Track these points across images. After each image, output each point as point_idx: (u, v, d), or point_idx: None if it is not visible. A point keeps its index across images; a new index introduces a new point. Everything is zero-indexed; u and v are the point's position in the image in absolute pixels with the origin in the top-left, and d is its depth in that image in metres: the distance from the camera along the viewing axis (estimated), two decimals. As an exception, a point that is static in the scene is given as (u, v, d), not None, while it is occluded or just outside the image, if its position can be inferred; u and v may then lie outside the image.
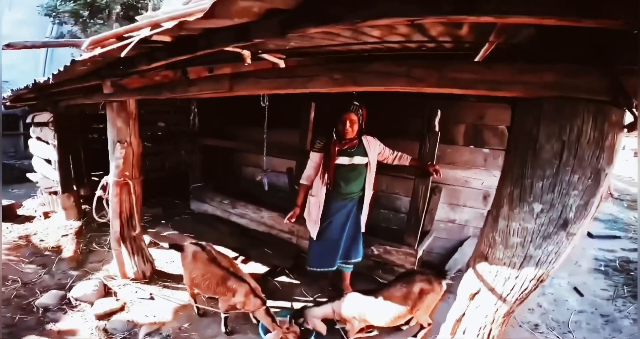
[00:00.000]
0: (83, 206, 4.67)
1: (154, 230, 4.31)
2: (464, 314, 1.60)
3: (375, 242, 3.30)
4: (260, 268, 3.48)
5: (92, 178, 4.89)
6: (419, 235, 3.17)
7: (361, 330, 2.52)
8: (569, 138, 1.17)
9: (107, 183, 3.06)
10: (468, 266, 1.61)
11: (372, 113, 2.81)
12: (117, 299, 2.90)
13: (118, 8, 10.15)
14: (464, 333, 1.59)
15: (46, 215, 4.77)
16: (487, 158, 3.54)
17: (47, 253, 3.75)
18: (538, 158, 1.23)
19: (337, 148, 2.69)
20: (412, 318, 2.56)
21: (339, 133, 2.70)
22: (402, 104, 3.65)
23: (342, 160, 2.71)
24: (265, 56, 1.72)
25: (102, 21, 10.12)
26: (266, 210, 4.09)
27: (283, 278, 3.42)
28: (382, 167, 2.95)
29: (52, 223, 4.50)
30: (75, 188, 4.54)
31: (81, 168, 4.63)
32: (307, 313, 2.42)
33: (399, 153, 2.92)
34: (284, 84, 1.67)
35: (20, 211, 4.96)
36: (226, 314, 2.54)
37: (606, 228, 6.25)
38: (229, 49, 1.42)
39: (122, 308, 2.81)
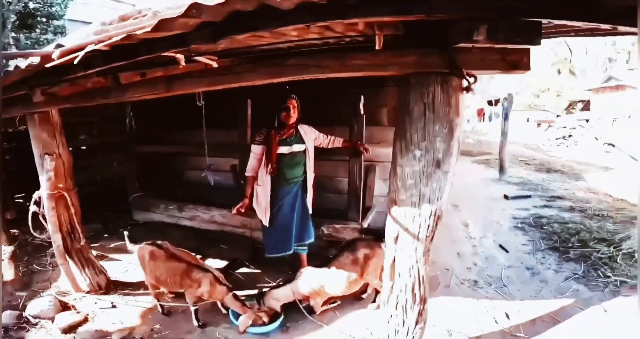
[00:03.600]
0: (12, 231, 4.31)
1: (97, 244, 4.13)
2: (394, 259, 1.89)
3: (325, 222, 3.55)
4: (219, 264, 3.55)
5: (16, 200, 4.53)
6: (361, 210, 3.48)
7: (325, 303, 2.72)
8: (428, 101, 1.62)
9: (40, 197, 2.94)
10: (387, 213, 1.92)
11: (306, 105, 3.06)
12: (77, 312, 2.82)
13: (13, 17, 9.26)
14: (399, 276, 1.87)
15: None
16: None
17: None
18: (412, 117, 1.67)
19: (277, 139, 2.89)
20: (367, 285, 2.81)
21: (281, 121, 2.92)
22: (331, 94, 3.93)
23: (282, 150, 2.94)
24: (199, 58, 1.86)
25: (-6, 30, 9.11)
26: (216, 208, 4.14)
27: (244, 270, 3.53)
28: (323, 152, 3.22)
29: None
30: (-1, 213, 4.18)
31: (2, 191, 4.27)
32: (267, 295, 2.56)
33: (333, 137, 3.21)
34: (219, 81, 1.91)
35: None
36: (195, 307, 2.59)
37: (519, 190, 7.14)
38: (165, 53, 1.55)
39: (85, 320, 2.74)
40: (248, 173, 3.02)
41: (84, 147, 5.53)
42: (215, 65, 2.02)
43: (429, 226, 1.74)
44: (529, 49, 1.48)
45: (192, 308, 2.59)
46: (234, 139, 4.01)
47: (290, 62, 1.70)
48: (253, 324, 2.42)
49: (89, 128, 5.30)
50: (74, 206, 2.99)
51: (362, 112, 3.29)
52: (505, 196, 6.54)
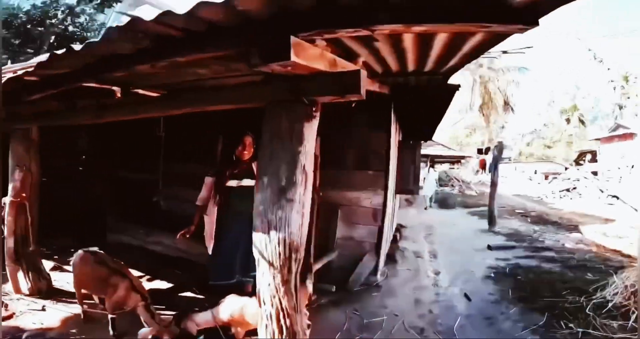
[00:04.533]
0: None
1: (57, 257, 4.25)
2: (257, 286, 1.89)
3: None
4: (165, 285, 3.64)
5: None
6: (312, 249, 3.46)
7: (248, 334, 2.68)
8: (275, 129, 1.74)
9: (4, 203, 3.18)
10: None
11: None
12: (6, 310, 2.93)
13: (52, 38, 10.10)
14: (264, 304, 1.86)
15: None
16: (372, 179, 4.08)
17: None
18: (263, 143, 1.79)
19: (227, 173, 3.07)
20: None
21: (237, 156, 3.10)
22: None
23: (232, 183, 3.09)
24: (137, 91, 2.12)
25: (32, 51, 9.94)
26: (180, 237, 4.24)
27: (190, 295, 3.54)
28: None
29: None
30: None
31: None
32: (187, 316, 2.55)
33: None
34: (128, 112, 2.26)
35: None
36: (113, 316, 2.61)
37: (505, 241, 7.07)
38: (93, 84, 1.82)
39: (10, 317, 2.84)
40: (198, 202, 3.18)
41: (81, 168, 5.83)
42: (154, 95, 2.29)
43: (280, 254, 1.76)
44: (358, 73, 1.63)
45: (110, 316, 2.61)
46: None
47: (185, 96, 1.95)
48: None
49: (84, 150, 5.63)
50: (31, 214, 3.22)
51: (316, 153, 3.35)
52: (489, 247, 6.46)
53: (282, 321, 1.81)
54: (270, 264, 1.79)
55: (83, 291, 2.83)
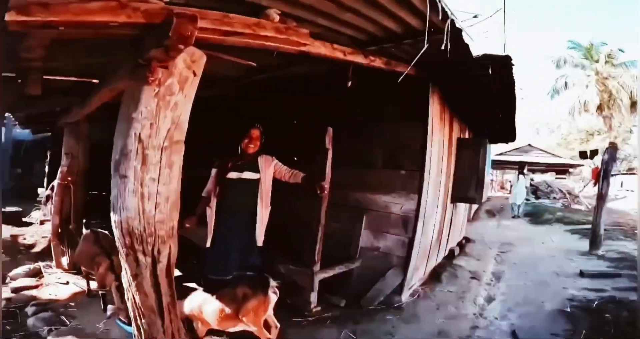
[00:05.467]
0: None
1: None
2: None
3: (282, 261, 3.32)
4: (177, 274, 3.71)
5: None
6: (316, 255, 3.11)
7: (210, 333, 2.56)
8: (123, 96, 1.60)
9: (53, 185, 3.77)
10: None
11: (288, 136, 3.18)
12: (38, 280, 3.37)
13: None
14: (128, 300, 1.75)
15: (42, 222, 5.63)
16: (404, 180, 3.49)
17: (21, 248, 4.51)
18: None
19: (229, 164, 2.97)
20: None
21: (242, 148, 3.00)
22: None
23: (232, 175, 2.97)
24: None
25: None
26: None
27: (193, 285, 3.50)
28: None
29: (42, 228, 5.28)
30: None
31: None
32: None
33: (295, 171, 3.05)
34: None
35: (26, 219, 6.01)
36: (102, 292, 2.80)
37: (609, 267, 5.61)
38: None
39: (35, 287, 3.24)
40: (203, 194, 3.14)
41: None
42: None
43: (120, 240, 1.58)
44: (171, 13, 1.32)
45: (100, 292, 2.80)
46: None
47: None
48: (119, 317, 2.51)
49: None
50: (75, 196, 3.66)
51: (327, 146, 3.03)
52: (581, 273, 5.18)
53: (138, 321, 1.68)
54: (119, 250, 1.67)
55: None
